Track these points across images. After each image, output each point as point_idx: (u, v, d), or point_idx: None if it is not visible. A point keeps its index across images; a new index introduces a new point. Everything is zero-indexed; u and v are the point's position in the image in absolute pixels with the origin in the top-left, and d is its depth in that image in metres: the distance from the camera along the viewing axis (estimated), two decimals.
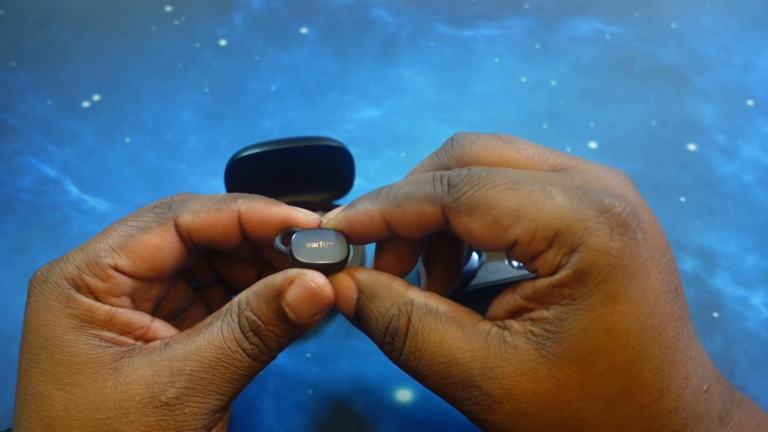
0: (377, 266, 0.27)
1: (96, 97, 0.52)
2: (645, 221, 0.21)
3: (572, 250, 0.20)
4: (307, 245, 0.25)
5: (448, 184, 0.23)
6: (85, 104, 0.51)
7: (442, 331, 0.23)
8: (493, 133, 0.26)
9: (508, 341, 0.22)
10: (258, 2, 0.61)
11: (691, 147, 0.49)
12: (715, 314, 0.39)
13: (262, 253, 0.30)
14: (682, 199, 0.45)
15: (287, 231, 0.26)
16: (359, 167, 0.43)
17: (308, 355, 0.37)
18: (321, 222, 0.26)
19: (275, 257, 0.29)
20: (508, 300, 0.23)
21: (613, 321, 0.20)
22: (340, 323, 0.38)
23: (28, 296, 0.25)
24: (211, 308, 0.32)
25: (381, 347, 0.25)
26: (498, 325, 0.23)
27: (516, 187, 0.22)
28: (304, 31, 0.58)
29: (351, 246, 0.26)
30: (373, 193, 0.25)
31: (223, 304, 0.26)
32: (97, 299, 0.25)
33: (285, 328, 0.25)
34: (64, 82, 0.53)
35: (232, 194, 0.27)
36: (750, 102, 0.53)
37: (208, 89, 0.53)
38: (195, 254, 0.29)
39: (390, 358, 0.24)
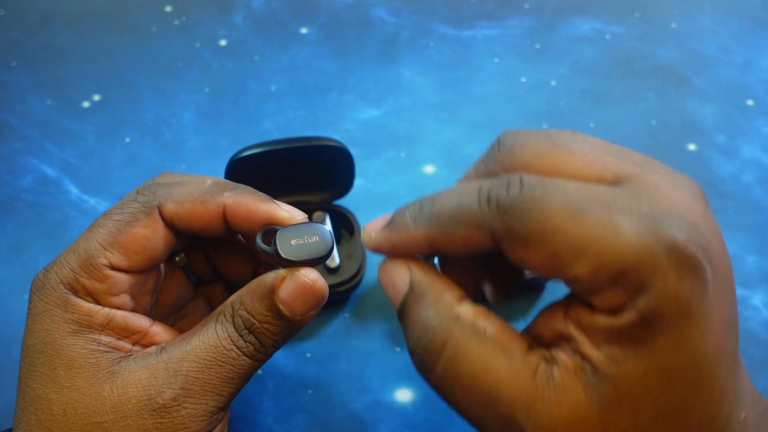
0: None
1: (96, 97, 0.52)
2: (716, 253, 0.19)
3: (638, 291, 0.18)
4: (292, 242, 0.25)
5: (497, 205, 0.20)
6: (85, 104, 0.51)
7: (486, 358, 0.20)
8: (545, 131, 0.22)
9: (557, 380, 0.20)
10: (258, 2, 0.61)
11: (691, 147, 0.49)
12: None
13: (251, 244, 0.30)
14: None
15: (267, 229, 0.26)
16: (359, 167, 0.43)
17: (308, 355, 0.37)
18: (305, 219, 0.26)
19: (260, 251, 0.29)
20: (558, 322, 0.21)
21: (672, 368, 0.19)
22: (340, 323, 0.38)
23: (29, 301, 0.25)
24: (212, 305, 0.32)
25: (411, 356, 0.23)
26: (546, 358, 0.20)
27: (578, 216, 0.19)
28: (304, 31, 0.58)
29: (333, 239, 0.26)
30: (415, 207, 0.23)
31: (224, 300, 0.26)
32: (96, 301, 0.25)
33: (280, 325, 0.25)
34: (64, 82, 0.53)
35: (221, 183, 0.26)
36: (750, 102, 0.53)
37: (208, 89, 0.53)
38: (184, 237, 0.28)
39: (419, 372, 0.22)
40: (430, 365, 0.21)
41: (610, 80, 0.54)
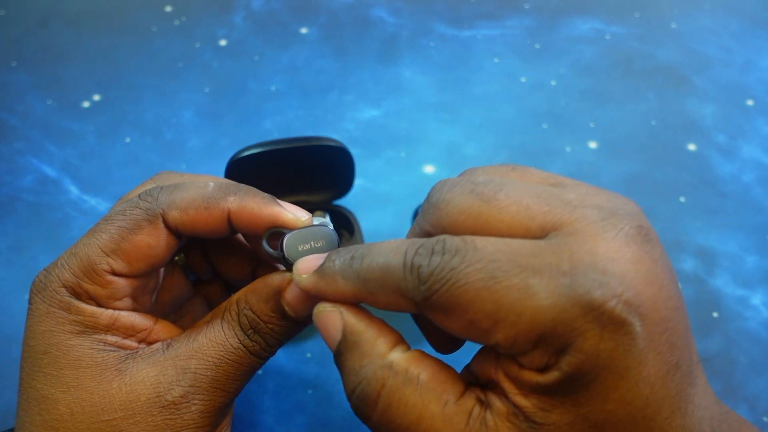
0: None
1: (96, 97, 0.52)
2: (647, 301, 0.19)
3: (559, 351, 0.19)
4: (299, 248, 0.25)
5: (418, 275, 0.20)
6: (85, 104, 0.51)
7: (420, 407, 0.20)
8: (472, 184, 0.22)
9: (490, 426, 0.20)
10: (258, 2, 0.61)
11: (691, 147, 0.49)
12: (715, 314, 0.39)
13: (253, 244, 0.30)
14: (682, 199, 0.45)
15: (273, 231, 0.26)
16: (359, 167, 0.43)
17: (308, 355, 0.37)
18: (311, 220, 0.26)
19: (266, 254, 0.29)
20: (489, 368, 0.21)
21: (602, 419, 0.19)
22: None
23: (30, 303, 0.25)
24: (210, 304, 0.32)
25: (349, 403, 0.23)
26: (480, 401, 0.21)
27: (492, 284, 0.19)
28: (304, 31, 0.58)
29: (339, 244, 0.26)
30: (347, 256, 0.23)
31: (223, 299, 0.26)
32: (99, 304, 0.25)
33: (284, 326, 0.25)
34: (64, 82, 0.53)
35: (224, 186, 0.26)
36: (750, 102, 0.53)
37: (208, 89, 0.53)
38: (189, 241, 0.28)
39: (359, 418, 0.22)
40: (366, 414, 0.21)
41: (610, 80, 0.54)
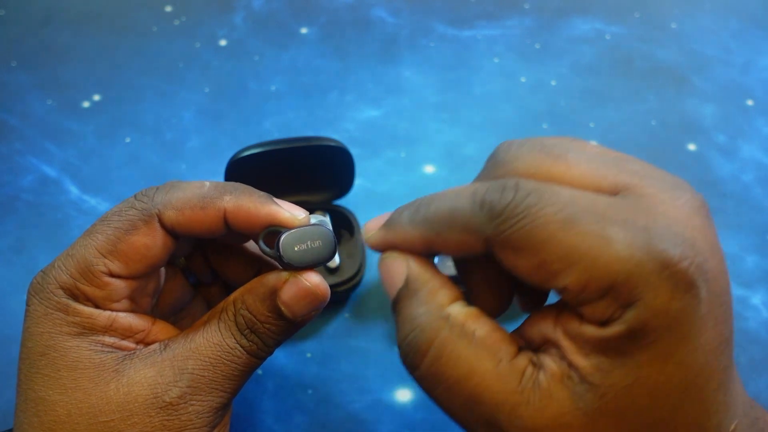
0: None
1: (96, 97, 0.52)
2: (712, 270, 0.19)
3: (627, 304, 0.18)
4: (296, 248, 0.25)
5: (490, 210, 0.20)
6: (85, 104, 0.51)
7: (473, 363, 0.20)
8: (541, 141, 0.22)
9: (543, 386, 0.20)
10: (258, 2, 0.61)
11: (691, 147, 0.49)
12: None
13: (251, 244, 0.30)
14: None
15: (270, 230, 0.26)
16: (359, 167, 0.43)
17: (308, 355, 0.37)
18: (308, 219, 0.26)
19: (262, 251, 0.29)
20: (547, 328, 0.21)
21: (659, 381, 0.19)
22: (340, 323, 0.38)
23: (27, 304, 0.25)
24: (211, 305, 0.32)
25: (399, 351, 0.23)
26: (533, 362, 0.20)
27: (570, 226, 0.19)
28: (304, 31, 0.58)
29: (336, 242, 0.26)
30: (413, 207, 0.23)
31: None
32: (96, 306, 0.25)
33: (281, 326, 0.25)
34: (64, 82, 0.53)
35: (220, 187, 0.26)
36: (750, 102, 0.53)
37: (208, 89, 0.53)
38: (185, 241, 0.28)
39: (404, 367, 0.22)
40: (414, 363, 0.21)
41: (610, 80, 0.54)
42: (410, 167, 0.47)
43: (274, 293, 0.24)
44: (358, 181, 0.44)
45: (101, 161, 0.47)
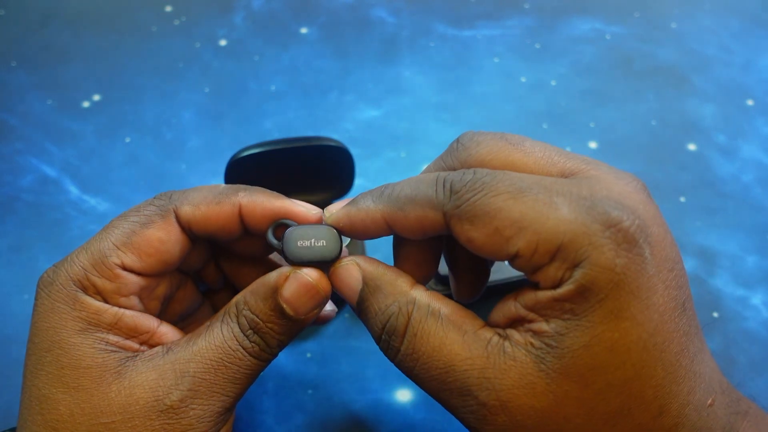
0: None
1: (96, 97, 0.52)
2: (654, 234, 0.20)
3: (575, 265, 0.20)
4: (299, 243, 0.25)
5: (451, 189, 0.22)
6: (85, 104, 0.51)
7: (442, 335, 0.22)
8: (501, 133, 0.25)
9: (508, 352, 0.21)
10: (258, 2, 0.61)
11: (691, 147, 0.49)
12: (715, 314, 0.39)
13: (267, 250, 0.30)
14: (682, 199, 0.45)
15: (279, 222, 0.26)
16: (359, 167, 0.43)
17: (308, 355, 0.37)
18: (322, 217, 0.26)
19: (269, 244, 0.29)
20: (509, 307, 0.22)
21: (615, 338, 0.20)
22: (340, 323, 0.38)
23: (36, 299, 0.25)
24: (218, 311, 0.32)
25: (378, 344, 0.24)
26: (499, 334, 0.22)
27: (520, 196, 0.21)
28: (304, 31, 0.58)
29: (343, 244, 0.26)
30: (376, 191, 0.24)
31: None
32: (105, 300, 0.25)
33: (284, 325, 0.25)
34: (64, 82, 0.53)
35: (234, 186, 0.27)
36: (750, 102, 0.53)
37: (208, 89, 0.53)
38: (200, 248, 0.28)
39: (386, 356, 0.24)
40: (395, 346, 0.23)
41: (610, 80, 0.54)
42: (410, 167, 0.47)
43: (275, 291, 0.24)
44: (358, 181, 0.44)
45: (101, 161, 0.47)
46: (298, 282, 0.24)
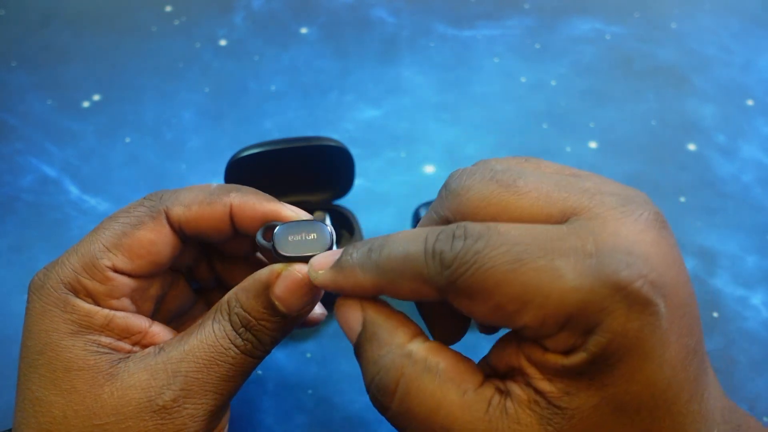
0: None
1: (96, 97, 0.52)
2: (669, 283, 0.19)
3: (586, 332, 0.19)
4: (290, 238, 0.25)
5: (441, 262, 0.20)
6: (85, 104, 0.51)
7: (439, 396, 0.20)
8: (492, 170, 0.22)
9: (510, 413, 0.20)
10: (258, 2, 0.61)
11: (691, 147, 0.49)
12: (715, 314, 0.39)
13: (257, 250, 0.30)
14: (682, 199, 0.45)
15: (268, 225, 0.26)
16: (359, 167, 0.43)
17: (308, 355, 0.37)
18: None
19: (259, 247, 0.29)
20: (511, 355, 0.21)
21: (626, 401, 0.19)
22: None
23: (28, 302, 0.25)
24: None
25: (368, 394, 0.22)
26: (500, 389, 0.21)
27: (519, 266, 0.19)
28: (304, 31, 0.58)
29: (334, 237, 0.25)
30: (363, 249, 0.22)
31: None
32: (96, 302, 0.24)
33: (276, 322, 0.25)
34: (64, 82, 0.53)
35: (225, 186, 0.27)
36: (750, 102, 0.53)
37: (208, 89, 0.53)
38: (191, 247, 0.28)
39: (376, 409, 0.22)
40: (384, 404, 0.21)
41: (610, 80, 0.54)
42: (410, 167, 0.47)
43: (267, 288, 0.24)
44: (358, 181, 0.44)
45: (101, 161, 0.47)
46: (290, 278, 0.24)
